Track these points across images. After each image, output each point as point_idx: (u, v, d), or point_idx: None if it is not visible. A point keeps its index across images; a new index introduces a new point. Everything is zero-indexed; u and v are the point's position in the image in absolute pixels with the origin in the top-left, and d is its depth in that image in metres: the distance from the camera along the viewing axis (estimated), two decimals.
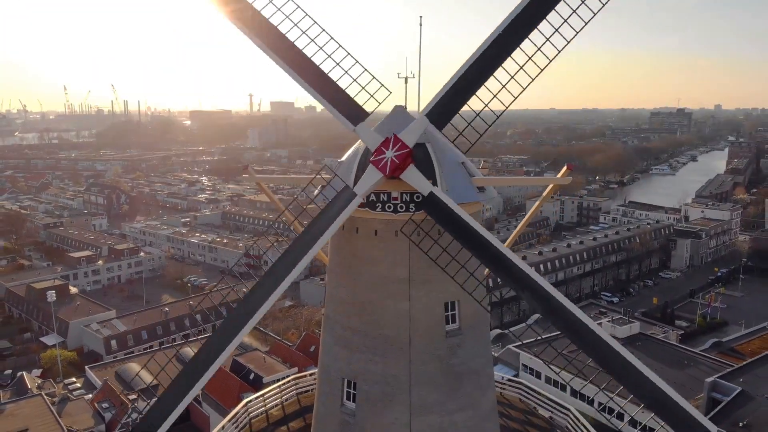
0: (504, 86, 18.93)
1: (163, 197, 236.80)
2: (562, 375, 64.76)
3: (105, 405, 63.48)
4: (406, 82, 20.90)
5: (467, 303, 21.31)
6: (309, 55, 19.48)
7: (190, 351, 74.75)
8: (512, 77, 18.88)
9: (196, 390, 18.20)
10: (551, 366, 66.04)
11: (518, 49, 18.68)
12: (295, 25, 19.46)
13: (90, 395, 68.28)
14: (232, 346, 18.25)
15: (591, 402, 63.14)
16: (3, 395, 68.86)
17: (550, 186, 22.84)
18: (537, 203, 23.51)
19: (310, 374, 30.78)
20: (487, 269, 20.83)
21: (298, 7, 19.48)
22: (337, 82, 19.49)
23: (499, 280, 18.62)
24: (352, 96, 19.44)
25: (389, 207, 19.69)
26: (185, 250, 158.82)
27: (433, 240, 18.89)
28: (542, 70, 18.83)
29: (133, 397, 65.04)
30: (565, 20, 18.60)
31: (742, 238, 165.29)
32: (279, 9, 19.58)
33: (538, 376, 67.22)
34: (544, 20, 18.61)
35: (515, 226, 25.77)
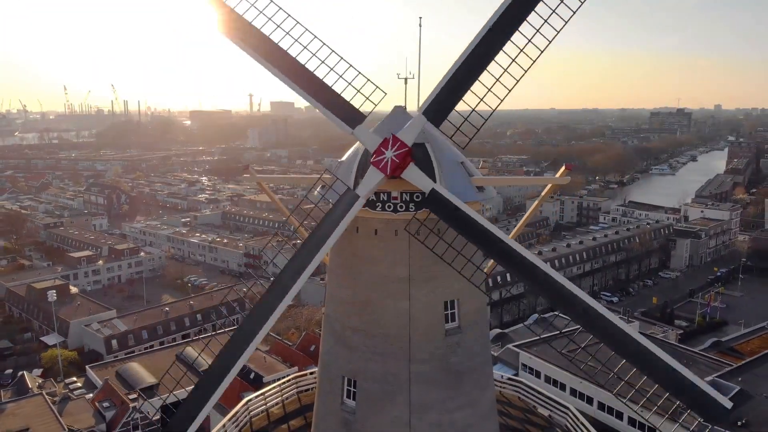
0: (498, 80, 19.04)
1: (163, 197, 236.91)
2: (561, 374, 65.00)
3: (106, 404, 63.64)
4: (405, 82, 21.09)
5: (466, 302, 21.49)
6: (303, 62, 19.61)
7: (191, 350, 75.06)
8: (505, 70, 18.98)
9: (219, 393, 18.78)
10: (551, 364, 66.25)
11: (509, 41, 18.83)
12: (287, 33, 19.60)
13: (91, 395, 68.43)
14: (252, 348, 18.55)
15: (590, 401, 63.50)
16: (4, 395, 69.05)
17: (549, 186, 23.00)
18: (535, 203, 23.66)
19: (311, 373, 30.93)
20: (487, 267, 21.03)
21: (289, 15, 19.64)
22: (332, 87, 19.62)
23: (507, 275, 18.79)
24: (347, 99, 19.58)
25: (389, 206, 19.88)
26: (185, 250, 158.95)
27: (438, 236, 19.06)
28: (534, 61, 18.93)
29: (133, 396, 65.29)
30: (554, 11, 18.77)
31: (741, 238, 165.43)
32: (270, 19, 19.73)
33: (538, 375, 67.36)
34: (533, 12, 18.78)
35: (515, 226, 25.87)
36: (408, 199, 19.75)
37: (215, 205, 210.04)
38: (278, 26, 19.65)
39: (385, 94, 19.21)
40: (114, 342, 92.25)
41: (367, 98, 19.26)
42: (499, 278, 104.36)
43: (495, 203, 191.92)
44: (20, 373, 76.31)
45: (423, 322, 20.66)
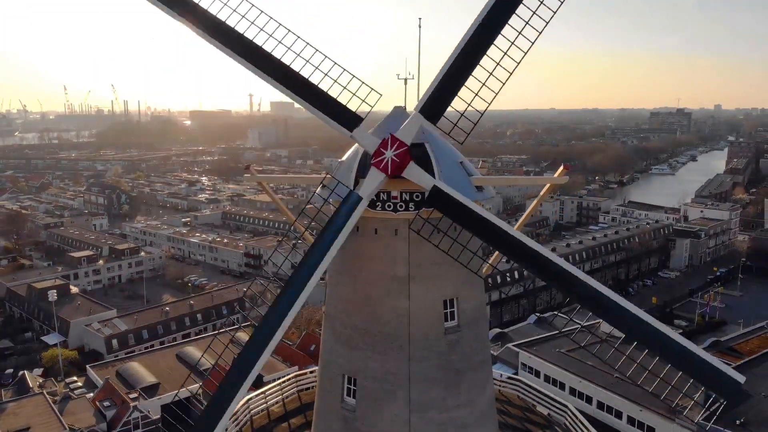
0: (491, 74, 19.23)
1: (163, 197, 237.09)
2: (560, 373, 65.16)
3: (106, 404, 63.74)
4: (405, 83, 21.24)
5: (465, 300, 21.66)
6: (297, 69, 19.74)
7: (191, 350, 75.33)
8: (498, 63, 19.20)
9: (239, 399, 18.87)
10: (550, 364, 66.41)
11: (500, 35, 19.04)
12: (280, 42, 19.69)
13: (91, 394, 68.52)
14: (268, 352, 18.72)
15: (590, 400, 63.59)
16: (5, 394, 69.19)
17: (547, 186, 23.18)
18: (534, 203, 23.86)
19: (311, 372, 31.09)
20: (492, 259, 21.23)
21: (280, 24, 19.73)
22: (328, 92, 19.74)
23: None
24: (344, 103, 19.70)
25: (389, 206, 20.06)
26: (185, 250, 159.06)
27: (443, 233, 19.28)
28: (526, 54, 19.15)
29: (134, 395, 65.43)
30: (542, 2, 18.96)
31: (741, 237, 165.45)
32: (261, 29, 19.78)
33: (537, 374, 67.51)
34: (521, 4, 19.02)
35: (514, 226, 25.96)
36: (408, 198, 19.94)
37: (215, 204, 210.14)
38: (270, 35, 19.72)
39: (381, 95, 19.39)
40: (114, 341, 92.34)
41: (363, 101, 19.43)
42: (498, 278, 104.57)
43: (495, 203, 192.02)
44: (21, 372, 76.45)
45: (422, 320, 20.82)
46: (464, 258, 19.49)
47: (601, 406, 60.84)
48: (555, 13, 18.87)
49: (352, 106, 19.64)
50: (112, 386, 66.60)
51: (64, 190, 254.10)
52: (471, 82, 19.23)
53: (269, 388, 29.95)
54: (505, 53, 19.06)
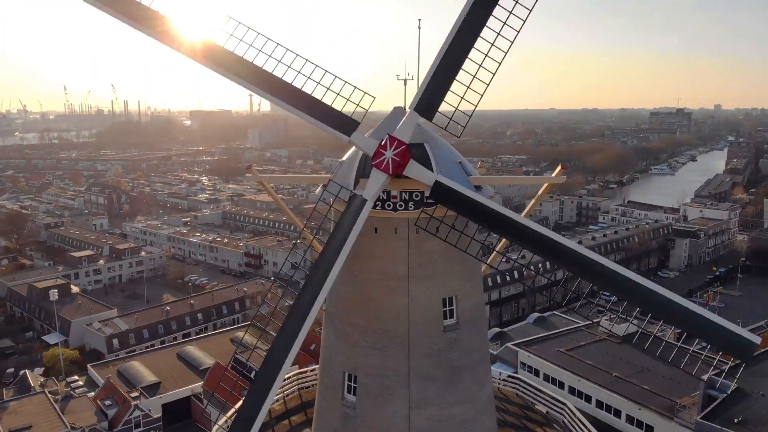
0: (481, 65, 19.50)
1: (163, 197, 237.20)
2: (559, 372, 65.40)
3: (108, 402, 64.03)
4: (405, 83, 21.49)
5: (465, 299, 21.93)
6: (289, 81, 19.97)
7: (192, 349, 75.59)
8: (486, 55, 19.46)
9: (269, 401, 19.07)
10: (549, 363, 66.66)
11: (486, 27, 19.35)
12: (270, 56, 19.90)
13: (92, 393, 68.83)
14: (293, 354, 18.90)
15: (589, 399, 63.84)
16: (6, 393, 69.54)
17: (545, 185, 23.43)
18: (532, 202, 24.12)
19: (311, 370, 31.32)
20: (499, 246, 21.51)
21: (269, 39, 19.96)
22: (322, 100, 19.94)
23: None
24: (339, 109, 19.92)
25: (389, 205, 20.34)
26: (186, 250, 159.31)
27: (449, 226, 19.52)
28: (512, 43, 19.49)
29: (135, 394, 65.71)
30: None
31: (740, 237, 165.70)
32: (250, 45, 19.98)
33: (537, 373, 67.76)
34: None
35: None
36: (407, 197, 20.22)
37: (215, 204, 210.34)
38: (260, 51, 19.92)
39: (374, 98, 19.64)
40: (115, 341, 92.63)
41: (357, 105, 19.67)
42: (498, 278, 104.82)
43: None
44: (22, 371, 76.78)
45: (422, 318, 21.08)
46: (472, 250, 19.73)
47: (600, 404, 61.09)
48: (530, 10, 19.21)
49: (348, 110, 19.88)
50: (113, 385, 66.90)
51: (64, 190, 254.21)
52: (462, 76, 19.49)
53: None
54: (499, 33, 19.34)
